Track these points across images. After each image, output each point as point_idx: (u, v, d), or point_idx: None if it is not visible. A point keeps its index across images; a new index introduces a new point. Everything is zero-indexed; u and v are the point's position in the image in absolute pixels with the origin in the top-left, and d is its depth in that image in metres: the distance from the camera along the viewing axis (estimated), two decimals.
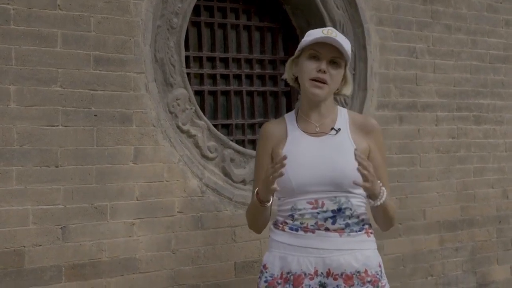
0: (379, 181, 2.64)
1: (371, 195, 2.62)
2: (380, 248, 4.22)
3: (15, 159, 3.05)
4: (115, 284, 3.28)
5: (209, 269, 3.57)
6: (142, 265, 3.37)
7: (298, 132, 2.75)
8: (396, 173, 4.33)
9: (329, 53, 2.66)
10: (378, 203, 2.62)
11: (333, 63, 2.67)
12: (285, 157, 2.51)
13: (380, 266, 2.71)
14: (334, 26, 4.15)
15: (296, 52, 2.75)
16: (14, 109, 3.06)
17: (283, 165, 2.52)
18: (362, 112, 4.20)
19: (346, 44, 2.68)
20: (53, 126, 3.15)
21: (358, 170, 2.52)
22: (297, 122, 2.77)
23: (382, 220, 2.74)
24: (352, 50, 4.19)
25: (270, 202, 2.68)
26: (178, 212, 3.49)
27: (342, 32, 4.17)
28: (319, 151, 2.68)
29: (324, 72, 2.65)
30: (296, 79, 2.78)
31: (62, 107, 3.18)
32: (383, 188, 2.64)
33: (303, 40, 2.71)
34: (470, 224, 4.71)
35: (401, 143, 4.37)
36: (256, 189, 2.68)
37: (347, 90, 2.78)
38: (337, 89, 2.75)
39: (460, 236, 4.65)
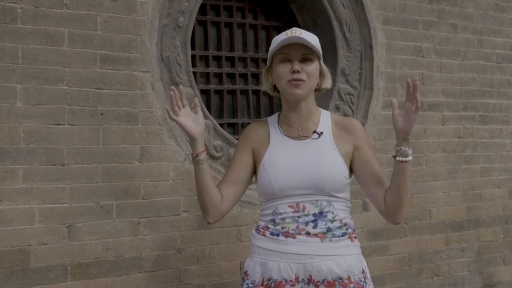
0: None
1: (407, 138, 2.57)
2: (386, 248, 4.26)
3: (21, 158, 3.05)
4: (121, 283, 3.29)
5: (215, 268, 3.57)
6: (148, 264, 3.37)
7: (280, 136, 2.73)
8: None
9: (298, 52, 2.65)
10: (409, 158, 2.58)
11: (305, 60, 2.66)
12: (180, 89, 2.65)
13: (363, 272, 2.67)
14: (340, 25, 4.14)
15: (268, 62, 2.74)
16: (21, 107, 3.06)
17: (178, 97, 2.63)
18: (368, 111, 4.19)
19: (312, 39, 2.67)
20: (59, 124, 3.16)
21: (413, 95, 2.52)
22: (279, 126, 2.76)
23: (400, 196, 2.64)
24: (358, 50, 4.22)
25: (201, 159, 2.65)
26: (183, 211, 3.49)
27: (349, 31, 4.17)
28: (301, 155, 2.66)
29: (299, 71, 2.64)
30: (275, 88, 2.78)
31: (69, 105, 3.18)
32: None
33: (270, 48, 2.71)
34: (477, 224, 4.70)
35: None
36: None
37: (327, 84, 2.76)
38: (317, 84, 2.73)
39: (466, 236, 4.64)
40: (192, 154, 2.69)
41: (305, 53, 2.65)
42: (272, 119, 2.81)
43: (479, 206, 4.73)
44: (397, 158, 2.61)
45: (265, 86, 2.81)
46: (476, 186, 4.71)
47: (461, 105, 4.66)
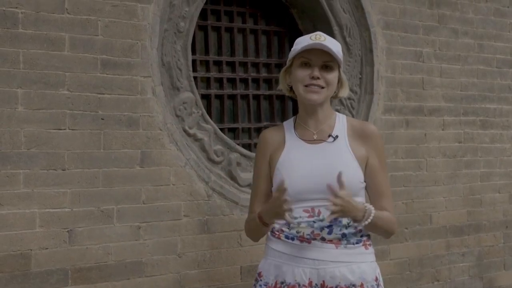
0: (363, 203, 2.60)
1: (352, 221, 2.60)
2: (386, 253, 4.26)
3: (22, 162, 3.06)
4: (121, 287, 3.28)
5: (215, 273, 3.57)
6: (148, 269, 3.37)
7: (295, 140, 2.73)
8: (403, 178, 4.32)
9: (319, 58, 2.63)
10: (363, 223, 2.59)
11: (326, 67, 2.65)
12: (283, 187, 2.50)
13: (376, 280, 2.67)
14: (341, 30, 4.15)
15: (288, 62, 2.73)
16: (22, 112, 3.07)
17: (284, 192, 2.50)
18: (369, 116, 4.19)
19: (335, 46, 2.66)
20: (60, 129, 3.16)
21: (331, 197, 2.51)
22: (295, 129, 2.76)
23: (377, 233, 2.73)
24: (359, 54, 4.23)
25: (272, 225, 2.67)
26: (184, 215, 3.49)
27: (349, 36, 4.18)
28: (316, 159, 2.66)
29: (318, 78, 2.64)
30: (291, 89, 2.77)
31: (69, 110, 3.18)
32: (369, 207, 2.59)
33: (292, 49, 2.69)
34: (477, 229, 4.70)
35: (407, 147, 4.37)
36: (258, 212, 2.67)
37: (344, 92, 2.75)
38: (334, 92, 2.73)
39: (466, 241, 4.64)
40: (263, 223, 2.66)
41: (326, 60, 2.64)
42: (288, 123, 2.81)
43: (480, 211, 4.73)
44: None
45: (281, 86, 2.80)
46: (477, 191, 4.72)
47: (462, 110, 4.67)
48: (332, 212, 2.50)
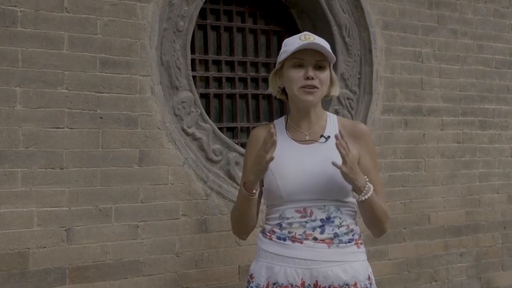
0: (365, 177, 2.61)
1: (354, 187, 2.59)
2: (384, 253, 4.26)
3: (20, 161, 3.06)
4: (119, 286, 3.29)
5: (213, 272, 3.57)
6: (146, 268, 3.37)
7: (287, 140, 2.72)
8: (401, 178, 4.32)
9: (312, 58, 2.63)
10: (363, 197, 2.59)
11: (319, 67, 2.65)
12: (272, 135, 2.50)
13: (369, 278, 2.67)
14: (340, 30, 4.15)
15: (277, 65, 2.72)
16: (20, 111, 3.07)
17: (273, 143, 2.50)
18: (367, 116, 4.19)
19: (326, 45, 2.66)
20: (59, 128, 3.16)
21: (338, 149, 2.51)
22: (286, 130, 2.75)
23: (370, 222, 2.71)
24: (358, 54, 4.23)
25: (257, 193, 2.64)
26: (182, 215, 3.49)
27: (348, 36, 4.18)
28: (308, 159, 2.65)
29: (313, 78, 2.63)
30: (283, 91, 2.76)
31: (68, 109, 3.18)
32: (369, 184, 2.60)
33: (282, 51, 2.68)
34: (475, 229, 4.71)
35: (406, 147, 4.37)
36: (243, 180, 2.64)
37: (335, 91, 2.75)
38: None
39: (465, 242, 4.64)
40: (248, 187, 2.63)
41: (319, 60, 2.64)
42: (279, 123, 2.79)
43: (478, 211, 4.73)
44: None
45: (272, 89, 2.79)
46: (475, 191, 4.72)
47: (460, 110, 4.67)
48: (343, 173, 2.52)
